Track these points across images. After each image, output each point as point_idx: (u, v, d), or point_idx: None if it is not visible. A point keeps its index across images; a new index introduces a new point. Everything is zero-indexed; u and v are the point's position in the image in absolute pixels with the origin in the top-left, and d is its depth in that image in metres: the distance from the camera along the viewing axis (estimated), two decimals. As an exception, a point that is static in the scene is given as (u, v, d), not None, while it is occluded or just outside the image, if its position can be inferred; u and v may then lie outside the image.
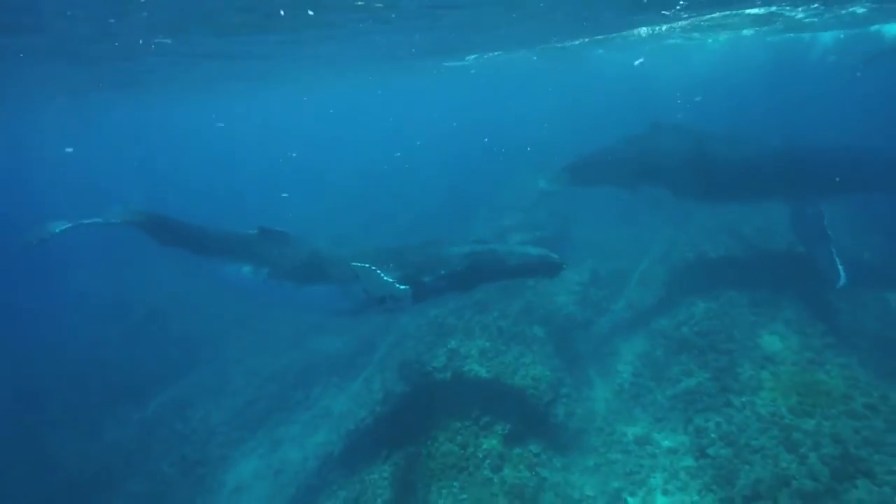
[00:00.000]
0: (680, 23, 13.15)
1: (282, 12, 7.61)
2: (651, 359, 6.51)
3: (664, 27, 13.76)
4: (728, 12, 12.19)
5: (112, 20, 7.23)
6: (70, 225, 6.23)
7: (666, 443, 5.27)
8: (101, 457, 7.85)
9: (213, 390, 8.92)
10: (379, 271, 4.93)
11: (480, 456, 5.32)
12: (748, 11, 12.22)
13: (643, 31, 14.12)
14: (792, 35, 17.56)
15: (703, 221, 10.40)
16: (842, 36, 17.78)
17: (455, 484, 5.05)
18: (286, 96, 26.68)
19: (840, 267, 6.17)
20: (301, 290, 5.72)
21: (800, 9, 12.23)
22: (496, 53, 16.93)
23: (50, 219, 6.48)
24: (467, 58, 17.52)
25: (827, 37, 18.31)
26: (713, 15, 12.39)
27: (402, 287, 5.15)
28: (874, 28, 16.35)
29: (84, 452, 8.05)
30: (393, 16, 8.98)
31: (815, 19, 13.59)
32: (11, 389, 9.91)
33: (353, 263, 4.93)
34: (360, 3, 7.60)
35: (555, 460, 5.49)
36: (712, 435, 5.08)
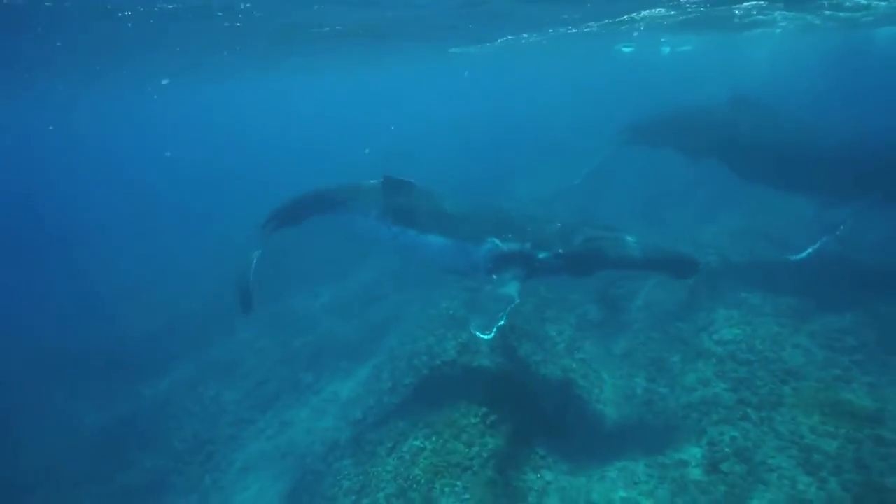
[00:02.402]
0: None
1: None
2: (666, 364, 6.32)
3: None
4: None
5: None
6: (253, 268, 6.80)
7: (676, 454, 5.12)
8: (115, 429, 8.06)
9: (225, 370, 9.04)
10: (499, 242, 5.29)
11: (486, 455, 5.26)
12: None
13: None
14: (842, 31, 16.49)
15: (729, 222, 10.04)
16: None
17: (459, 483, 5.00)
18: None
19: (811, 250, 6.08)
20: (420, 238, 5.90)
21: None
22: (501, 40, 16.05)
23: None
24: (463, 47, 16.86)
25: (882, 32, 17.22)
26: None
27: (511, 291, 5.10)
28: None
29: (99, 423, 8.29)
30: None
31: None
32: (34, 353, 10.25)
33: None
34: None
35: (561, 464, 5.40)
36: (726, 449, 4.91)
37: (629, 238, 5.06)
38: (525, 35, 15.00)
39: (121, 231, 18.31)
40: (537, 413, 5.83)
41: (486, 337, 4.74)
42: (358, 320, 10.13)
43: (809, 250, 6.10)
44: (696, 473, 4.88)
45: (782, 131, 7.20)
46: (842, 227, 6.17)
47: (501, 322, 4.86)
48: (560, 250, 5.19)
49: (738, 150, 7.51)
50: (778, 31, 15.98)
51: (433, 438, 5.60)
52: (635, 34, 15.98)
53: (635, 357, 6.70)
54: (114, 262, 15.04)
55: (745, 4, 11.90)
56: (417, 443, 5.63)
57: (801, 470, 4.43)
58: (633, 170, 13.48)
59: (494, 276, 5.41)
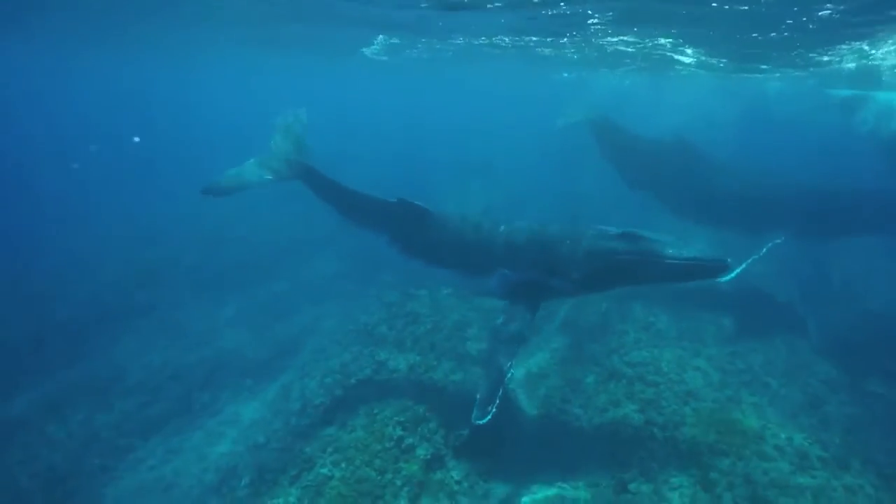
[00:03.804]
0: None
1: None
2: (581, 385, 6.47)
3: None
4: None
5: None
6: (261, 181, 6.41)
7: (589, 475, 5.18)
8: (-56, 462, 6.53)
9: (102, 388, 7.79)
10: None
11: (399, 483, 4.94)
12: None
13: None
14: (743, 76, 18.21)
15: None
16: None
17: (368, 515, 4.62)
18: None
19: (738, 271, 6.71)
20: (429, 267, 6.05)
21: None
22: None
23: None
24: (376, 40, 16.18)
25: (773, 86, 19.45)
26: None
27: (520, 327, 5.12)
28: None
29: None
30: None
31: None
32: None
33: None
34: None
35: (477, 487, 5.22)
36: (634, 470, 5.05)
37: (646, 249, 4.56)
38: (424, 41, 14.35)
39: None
40: (454, 434, 5.64)
41: (481, 422, 4.71)
42: (267, 333, 9.34)
43: (737, 271, 6.59)
44: (606, 494, 4.96)
45: (721, 175, 8.12)
46: (763, 252, 6.86)
47: (508, 376, 4.95)
48: (574, 275, 4.97)
49: (678, 188, 8.42)
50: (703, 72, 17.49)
51: (343, 465, 5.18)
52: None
53: (552, 377, 6.79)
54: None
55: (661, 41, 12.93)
56: (325, 470, 5.17)
57: (700, 487, 4.66)
58: (556, 192, 14.14)
59: (508, 304, 5.35)
